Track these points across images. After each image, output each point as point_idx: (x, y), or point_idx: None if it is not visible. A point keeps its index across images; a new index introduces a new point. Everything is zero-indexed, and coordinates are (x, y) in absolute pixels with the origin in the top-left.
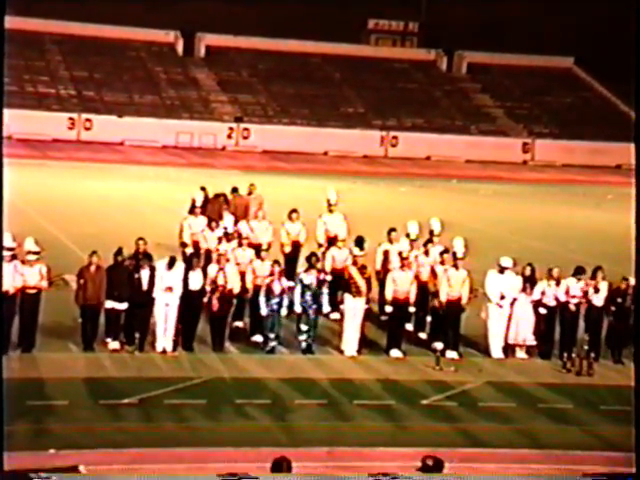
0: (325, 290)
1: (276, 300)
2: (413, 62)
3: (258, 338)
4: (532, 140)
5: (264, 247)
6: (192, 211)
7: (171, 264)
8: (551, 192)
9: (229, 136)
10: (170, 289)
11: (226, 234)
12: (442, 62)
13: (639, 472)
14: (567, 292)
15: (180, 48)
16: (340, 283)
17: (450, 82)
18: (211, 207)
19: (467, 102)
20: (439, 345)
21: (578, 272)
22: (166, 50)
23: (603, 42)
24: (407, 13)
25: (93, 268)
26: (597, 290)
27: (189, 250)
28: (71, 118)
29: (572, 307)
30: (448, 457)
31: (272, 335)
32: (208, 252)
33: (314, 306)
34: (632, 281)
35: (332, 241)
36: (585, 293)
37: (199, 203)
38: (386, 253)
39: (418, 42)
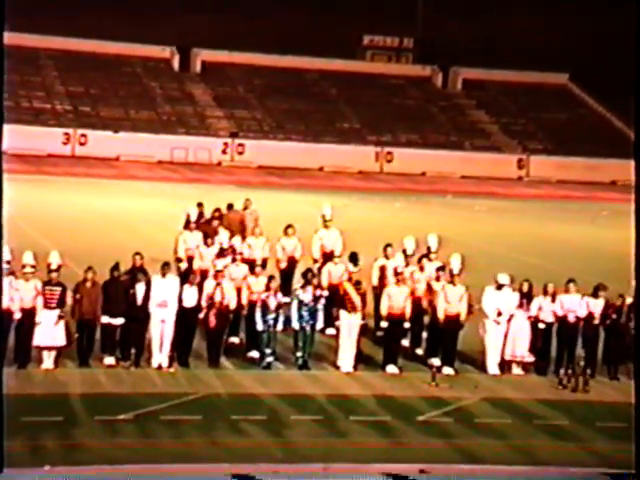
0: (320, 306)
1: (272, 316)
2: (408, 78)
3: (254, 354)
4: (527, 156)
5: (258, 263)
6: (187, 226)
7: (164, 271)
8: (546, 208)
9: (224, 151)
10: (165, 304)
11: (221, 250)
12: (437, 78)
13: (638, 473)
14: (562, 307)
15: (176, 63)
16: (335, 299)
17: (445, 98)
18: (206, 222)
19: (462, 118)
20: (436, 361)
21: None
22: (162, 65)
23: (598, 58)
24: (402, 29)
25: (89, 284)
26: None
27: (184, 265)
28: (66, 133)
29: (572, 319)
30: (444, 473)
31: (268, 351)
32: (202, 269)
33: (311, 322)
34: (628, 300)
35: (328, 257)
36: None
37: (194, 218)
38: (382, 268)
39: (413, 58)
